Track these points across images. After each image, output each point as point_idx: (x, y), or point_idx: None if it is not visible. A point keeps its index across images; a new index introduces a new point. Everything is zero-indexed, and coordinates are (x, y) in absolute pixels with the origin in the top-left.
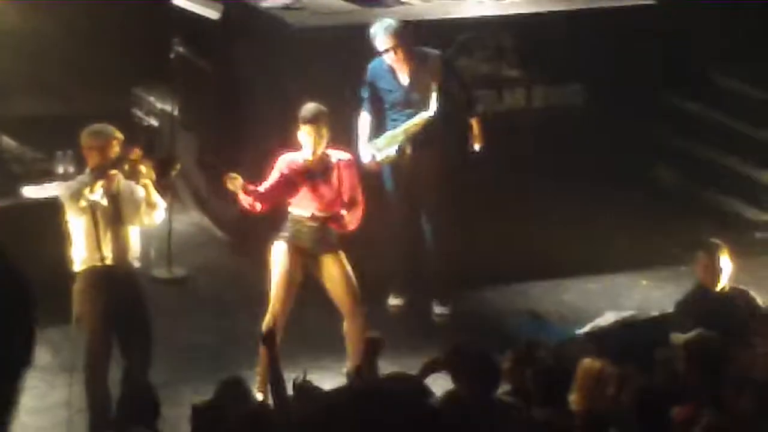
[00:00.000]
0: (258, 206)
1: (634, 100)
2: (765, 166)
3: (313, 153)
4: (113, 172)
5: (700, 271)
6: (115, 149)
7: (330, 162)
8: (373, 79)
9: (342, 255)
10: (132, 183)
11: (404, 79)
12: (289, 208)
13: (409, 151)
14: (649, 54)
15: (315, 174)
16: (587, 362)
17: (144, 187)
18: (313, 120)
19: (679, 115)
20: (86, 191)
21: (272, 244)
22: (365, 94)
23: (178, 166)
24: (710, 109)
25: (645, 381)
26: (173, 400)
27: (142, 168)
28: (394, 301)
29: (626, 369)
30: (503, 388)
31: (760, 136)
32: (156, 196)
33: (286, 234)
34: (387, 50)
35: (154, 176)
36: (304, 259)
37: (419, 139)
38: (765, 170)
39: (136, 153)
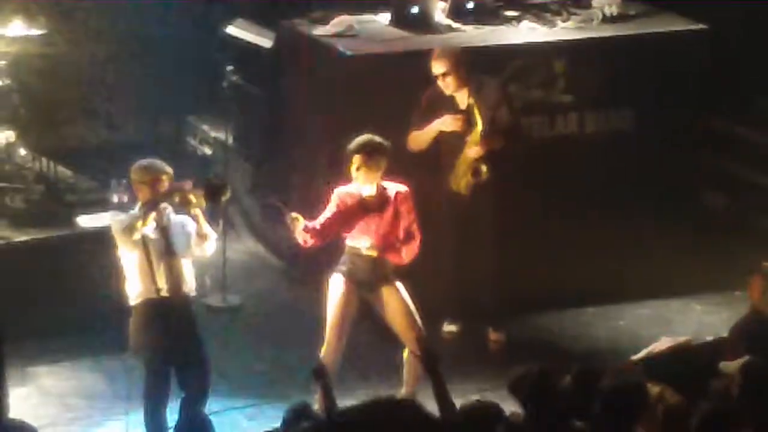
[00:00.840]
0: (313, 241)
1: (683, 124)
2: None
3: (364, 185)
4: (163, 205)
5: (755, 296)
6: (165, 184)
7: (387, 194)
8: (430, 109)
9: (400, 285)
10: (182, 217)
11: (462, 105)
12: (346, 241)
13: (485, 169)
14: (698, 78)
15: (372, 207)
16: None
17: (194, 218)
18: (361, 153)
19: (728, 139)
20: (138, 224)
21: (330, 276)
22: (420, 120)
23: (229, 192)
24: (761, 134)
25: (710, 406)
26: (228, 428)
27: (192, 197)
28: (448, 327)
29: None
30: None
31: None
32: (207, 227)
33: (343, 267)
34: (439, 75)
35: (204, 204)
36: (362, 292)
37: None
38: None
39: (186, 183)
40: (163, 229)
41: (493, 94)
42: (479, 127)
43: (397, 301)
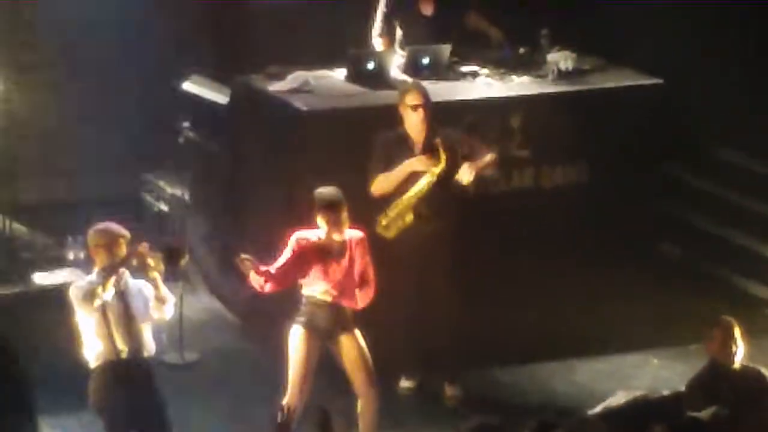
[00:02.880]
0: (269, 287)
1: (640, 176)
2: None
3: (329, 236)
4: (122, 270)
5: (714, 348)
6: (123, 247)
7: (344, 241)
8: (388, 149)
9: (358, 334)
10: (140, 281)
11: (417, 149)
12: (303, 290)
13: (424, 213)
14: (654, 130)
15: (329, 252)
16: None
17: (153, 282)
18: (334, 206)
19: (686, 191)
20: (98, 291)
21: (289, 328)
22: (377, 164)
23: (187, 256)
24: (717, 185)
25: None
26: None
27: (150, 261)
28: (405, 383)
29: None
30: None
31: (766, 211)
32: (165, 291)
33: (302, 318)
34: (416, 106)
35: (162, 268)
36: (321, 341)
37: (431, 208)
38: None
39: (144, 246)
40: (121, 294)
41: (456, 138)
42: (442, 164)
43: (353, 350)
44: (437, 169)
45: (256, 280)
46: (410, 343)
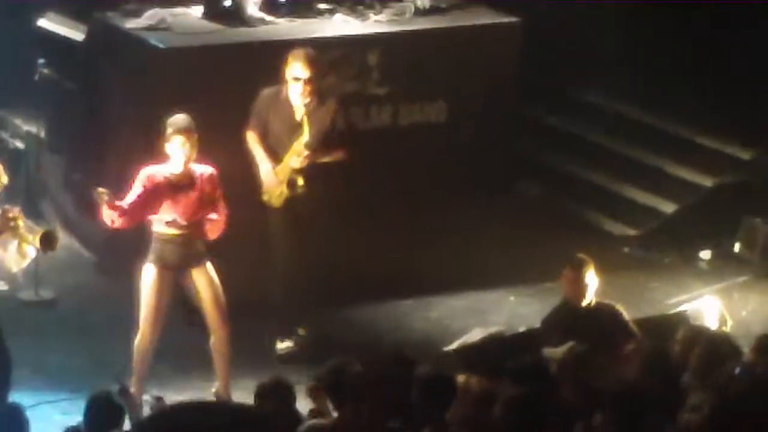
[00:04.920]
0: (120, 222)
1: (498, 115)
2: (629, 181)
3: (184, 165)
4: None
5: (566, 286)
6: None
7: (194, 175)
8: (266, 108)
9: (210, 266)
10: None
11: (299, 113)
12: (153, 227)
13: (301, 183)
14: (511, 69)
15: (179, 187)
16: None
17: (19, 241)
18: (186, 130)
19: (543, 129)
20: None
21: (140, 266)
22: (254, 116)
23: (61, 241)
24: (573, 124)
25: (515, 392)
26: (41, 422)
27: (25, 234)
28: (281, 345)
29: (495, 383)
30: None
31: (623, 150)
32: (29, 249)
33: (152, 255)
34: (302, 80)
35: (35, 244)
36: (173, 276)
37: (307, 174)
38: (629, 185)
39: (14, 212)
40: None
41: (332, 110)
42: (305, 138)
43: (205, 282)
44: (299, 146)
45: (108, 215)
46: (285, 300)
